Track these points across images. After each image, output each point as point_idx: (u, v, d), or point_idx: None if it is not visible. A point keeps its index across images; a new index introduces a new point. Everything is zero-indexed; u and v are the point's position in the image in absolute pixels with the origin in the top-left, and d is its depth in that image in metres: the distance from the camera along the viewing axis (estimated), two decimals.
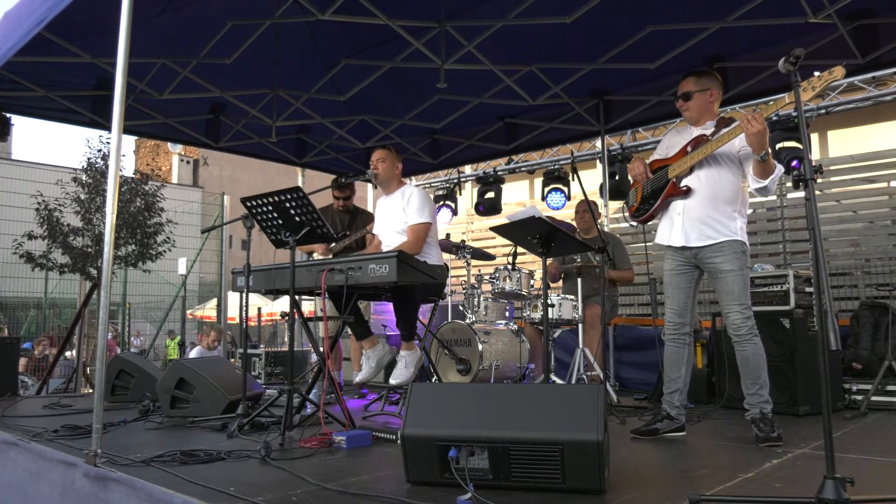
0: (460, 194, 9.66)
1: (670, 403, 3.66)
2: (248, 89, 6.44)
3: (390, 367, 4.38)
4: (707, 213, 3.53)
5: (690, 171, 3.58)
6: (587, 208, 5.66)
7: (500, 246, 9.37)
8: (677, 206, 3.63)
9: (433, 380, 4.78)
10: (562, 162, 9.13)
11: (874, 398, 4.50)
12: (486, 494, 2.29)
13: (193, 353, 9.32)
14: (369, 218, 5.81)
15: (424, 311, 5.58)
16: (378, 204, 4.74)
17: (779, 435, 3.33)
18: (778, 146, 6.53)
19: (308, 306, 8.77)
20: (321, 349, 4.17)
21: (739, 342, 3.49)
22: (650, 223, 3.93)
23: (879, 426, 4.07)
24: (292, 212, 3.62)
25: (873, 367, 4.77)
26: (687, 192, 3.58)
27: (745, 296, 3.48)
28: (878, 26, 4.98)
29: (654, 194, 3.73)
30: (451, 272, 6.42)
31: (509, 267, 5.60)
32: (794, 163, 6.38)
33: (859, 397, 4.59)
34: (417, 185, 5.83)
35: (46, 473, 3.16)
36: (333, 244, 5.36)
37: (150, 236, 11.54)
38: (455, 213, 9.26)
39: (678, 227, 3.62)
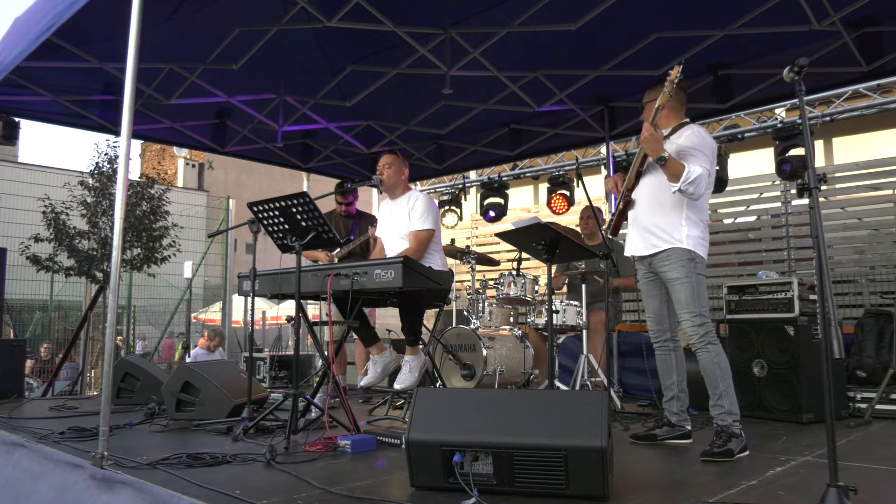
0: (465, 200, 9.67)
1: (669, 411, 3.67)
2: (255, 94, 6.47)
3: (395, 371, 4.40)
4: (652, 222, 3.55)
5: (638, 180, 3.64)
6: (591, 214, 5.68)
7: (504, 251, 9.38)
8: (630, 216, 3.71)
9: (437, 385, 4.79)
10: (567, 168, 9.15)
11: (878, 406, 4.50)
12: (489, 500, 2.30)
13: (191, 355, 9.38)
14: (372, 222, 5.84)
15: (429, 316, 5.60)
16: (382, 207, 4.76)
17: (725, 451, 3.16)
18: (782, 154, 6.54)
19: (313, 310, 8.78)
20: (326, 353, 4.19)
21: (696, 351, 3.44)
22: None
23: (883, 434, 4.06)
24: (298, 217, 3.64)
25: (877, 375, 4.77)
26: (634, 202, 3.65)
27: (695, 303, 3.40)
28: (883, 34, 4.98)
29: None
30: (456, 277, 6.43)
31: (514, 272, 5.61)
32: (786, 167, 6.42)
33: (863, 405, 4.59)
34: (422, 191, 5.86)
35: (50, 475, 3.17)
36: (337, 250, 5.39)
37: (155, 240, 11.57)
38: (456, 220, 9.29)
39: (630, 237, 3.71)
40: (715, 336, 3.43)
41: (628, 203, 3.69)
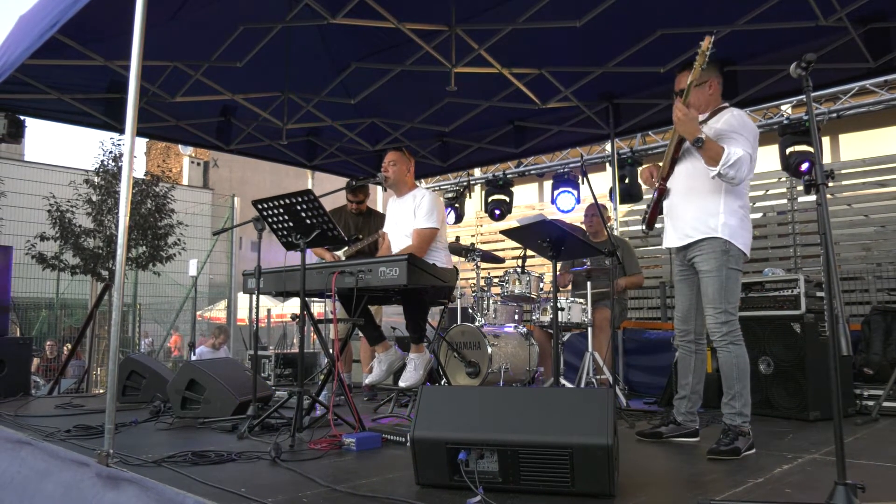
0: (470, 197, 9.67)
1: (677, 409, 3.64)
2: (259, 92, 6.48)
3: (400, 369, 4.40)
4: (686, 211, 3.40)
5: (673, 168, 3.49)
6: (596, 212, 5.66)
7: (509, 249, 9.38)
8: (665, 206, 3.56)
9: (442, 382, 4.79)
10: (571, 165, 9.13)
11: (885, 404, 4.47)
12: (495, 497, 2.29)
13: (196, 353, 9.40)
14: (383, 220, 5.83)
15: (433, 313, 5.60)
16: (389, 205, 4.76)
17: (732, 449, 3.11)
18: (789, 150, 6.51)
19: (318, 308, 8.78)
20: (331, 351, 4.19)
21: (717, 348, 3.33)
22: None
23: (891, 432, 4.04)
24: (303, 214, 3.63)
25: (885, 372, 4.74)
26: (669, 191, 3.50)
27: (722, 299, 3.25)
28: (890, 30, 4.96)
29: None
30: (461, 275, 6.42)
31: (519, 270, 5.60)
32: (805, 167, 6.36)
33: (870, 403, 4.57)
34: (427, 188, 5.85)
35: (56, 473, 3.18)
36: (345, 248, 5.38)
37: (160, 238, 11.60)
38: (461, 217, 9.28)
39: (666, 227, 3.56)
40: (739, 336, 3.29)
41: (663, 193, 3.53)
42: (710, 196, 3.31)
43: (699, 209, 3.34)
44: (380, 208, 8.05)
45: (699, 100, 3.45)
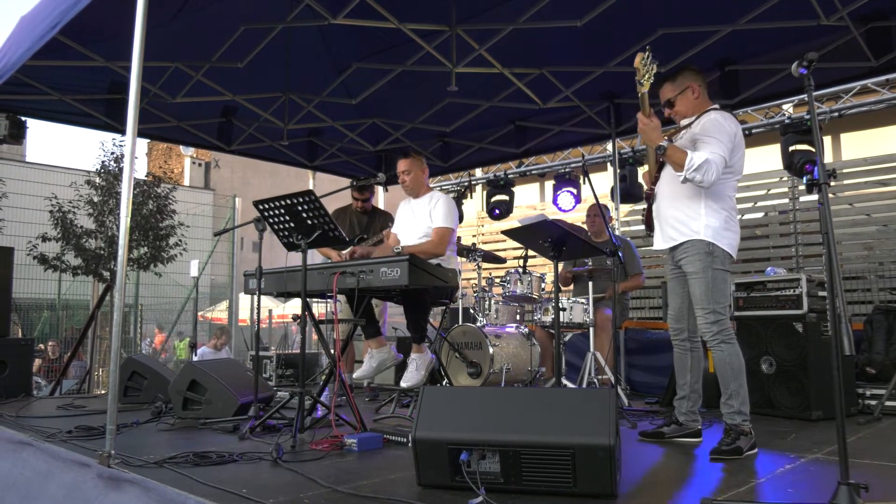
0: (471, 197, 9.66)
1: (678, 410, 3.64)
2: (260, 93, 6.47)
3: (401, 369, 4.39)
4: (670, 214, 3.44)
5: (660, 172, 3.53)
6: (598, 212, 5.66)
7: (510, 249, 9.37)
8: (654, 209, 3.60)
9: (444, 383, 4.78)
10: (573, 165, 9.13)
11: (888, 403, 4.46)
12: (497, 498, 2.29)
13: (197, 353, 9.41)
14: (388, 219, 5.83)
15: (435, 313, 5.59)
16: (402, 206, 4.78)
17: (734, 449, 3.11)
18: (791, 149, 6.49)
19: (320, 309, 8.79)
20: (332, 351, 4.19)
21: (710, 348, 3.34)
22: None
23: (893, 431, 4.03)
24: (304, 215, 3.63)
25: (887, 371, 4.73)
26: (655, 196, 3.55)
27: (709, 300, 3.27)
28: (892, 28, 4.95)
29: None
30: (462, 275, 6.42)
31: (520, 270, 5.59)
32: (808, 166, 6.34)
33: (873, 402, 4.56)
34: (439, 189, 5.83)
35: (58, 474, 3.18)
36: (349, 249, 5.38)
37: (162, 238, 11.60)
38: (462, 217, 9.26)
39: (655, 230, 3.60)
40: (730, 334, 3.30)
41: (649, 197, 3.60)
42: (692, 199, 3.34)
43: (681, 212, 3.39)
44: (381, 205, 8.06)
45: (686, 106, 3.53)
